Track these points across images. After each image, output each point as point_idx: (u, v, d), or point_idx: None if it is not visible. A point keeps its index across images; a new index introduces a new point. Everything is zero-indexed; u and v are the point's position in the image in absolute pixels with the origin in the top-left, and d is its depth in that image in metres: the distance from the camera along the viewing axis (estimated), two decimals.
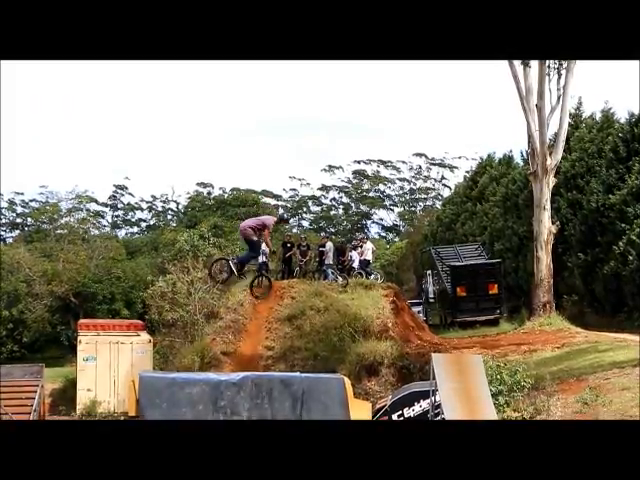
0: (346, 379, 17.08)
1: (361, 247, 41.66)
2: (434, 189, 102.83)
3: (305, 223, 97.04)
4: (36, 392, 23.49)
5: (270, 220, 22.43)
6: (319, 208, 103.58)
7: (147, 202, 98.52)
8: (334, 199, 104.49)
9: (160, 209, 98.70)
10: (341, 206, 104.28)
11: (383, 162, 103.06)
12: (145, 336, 37.44)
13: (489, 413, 24.42)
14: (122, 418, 18.31)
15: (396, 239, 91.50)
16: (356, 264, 40.42)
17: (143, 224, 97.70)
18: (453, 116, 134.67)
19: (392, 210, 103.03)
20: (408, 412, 27.00)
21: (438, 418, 24.94)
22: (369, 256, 41.42)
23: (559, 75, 41.11)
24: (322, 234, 57.50)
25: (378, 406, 27.64)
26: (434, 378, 25.14)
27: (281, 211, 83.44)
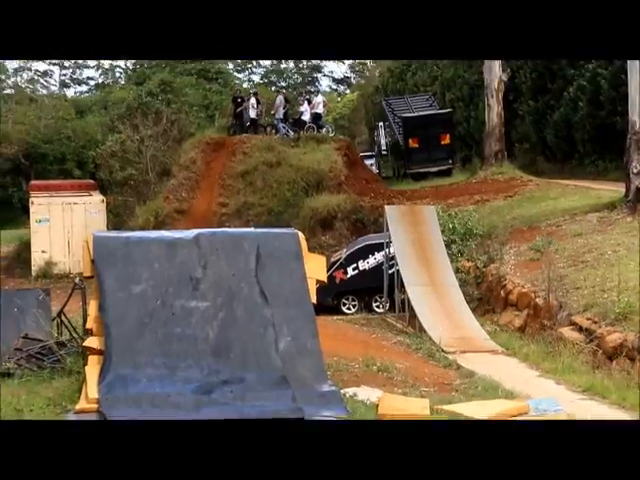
0: (300, 233, 17.03)
1: (311, 101, 41.28)
2: None
3: (255, 77, 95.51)
4: None
5: None
6: (269, 62, 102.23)
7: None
8: None
9: (107, 67, 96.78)
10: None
11: None
12: (98, 196, 37.16)
13: (443, 263, 24.74)
14: (77, 279, 18.21)
15: (347, 91, 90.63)
16: (307, 117, 40.12)
17: (91, 82, 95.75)
18: None
19: (342, 62, 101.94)
20: (363, 265, 27.28)
21: (392, 270, 25.24)
22: (320, 109, 41.09)
23: None
24: (273, 88, 56.86)
25: (333, 259, 27.89)
26: (388, 230, 25.35)
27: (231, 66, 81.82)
